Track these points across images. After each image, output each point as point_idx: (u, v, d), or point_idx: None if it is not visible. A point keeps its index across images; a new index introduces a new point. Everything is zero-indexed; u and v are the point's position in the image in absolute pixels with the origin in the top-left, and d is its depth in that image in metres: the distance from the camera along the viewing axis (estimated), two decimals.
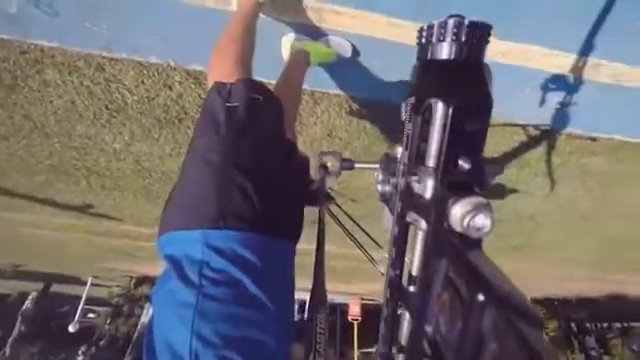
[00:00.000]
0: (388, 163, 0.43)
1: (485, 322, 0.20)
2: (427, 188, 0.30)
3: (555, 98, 1.61)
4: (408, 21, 1.30)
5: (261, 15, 1.18)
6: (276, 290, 0.67)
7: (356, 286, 5.27)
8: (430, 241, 0.31)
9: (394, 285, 0.36)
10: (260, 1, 1.09)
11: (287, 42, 1.34)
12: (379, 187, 0.44)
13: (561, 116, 1.71)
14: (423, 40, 0.32)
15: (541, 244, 3.17)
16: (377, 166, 0.45)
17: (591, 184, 2.26)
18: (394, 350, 0.36)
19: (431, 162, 0.31)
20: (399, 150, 0.39)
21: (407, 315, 0.34)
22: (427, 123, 0.32)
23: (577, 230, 2.93)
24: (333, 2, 1.27)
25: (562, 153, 1.96)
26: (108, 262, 5.06)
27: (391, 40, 1.35)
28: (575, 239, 3.12)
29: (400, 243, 0.36)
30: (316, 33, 1.34)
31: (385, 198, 0.44)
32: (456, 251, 0.26)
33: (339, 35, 1.35)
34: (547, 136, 1.85)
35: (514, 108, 1.65)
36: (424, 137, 0.32)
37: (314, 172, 0.78)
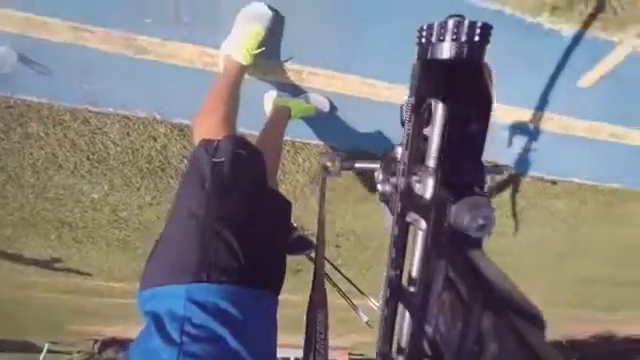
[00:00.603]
0: (388, 163, 0.43)
1: (485, 322, 0.20)
2: (427, 188, 0.30)
3: (519, 144, 1.79)
4: (380, 81, 1.46)
5: (246, 75, 1.29)
6: (258, 344, 0.66)
7: (343, 339, 5.00)
8: (430, 241, 0.30)
9: (394, 285, 0.36)
10: (245, 64, 1.19)
11: (269, 98, 1.44)
12: (379, 187, 0.44)
13: (524, 160, 1.88)
14: (423, 40, 0.31)
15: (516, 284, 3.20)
16: (377, 166, 0.45)
17: (557, 225, 2.38)
18: (394, 350, 0.35)
19: (431, 162, 0.31)
20: (399, 150, 0.39)
21: (407, 315, 0.34)
22: (427, 123, 0.32)
23: (550, 270, 3.01)
24: (313, 65, 1.41)
25: (527, 195, 2.09)
26: (74, 324, 4.61)
27: (364, 97, 1.50)
28: (548, 279, 3.19)
29: (400, 243, 0.36)
30: (296, 90, 1.46)
31: (385, 198, 0.44)
32: (456, 251, 0.26)
33: (317, 92, 1.47)
34: (512, 179, 2.00)
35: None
36: (424, 137, 0.32)
37: (316, 176, 0.80)
